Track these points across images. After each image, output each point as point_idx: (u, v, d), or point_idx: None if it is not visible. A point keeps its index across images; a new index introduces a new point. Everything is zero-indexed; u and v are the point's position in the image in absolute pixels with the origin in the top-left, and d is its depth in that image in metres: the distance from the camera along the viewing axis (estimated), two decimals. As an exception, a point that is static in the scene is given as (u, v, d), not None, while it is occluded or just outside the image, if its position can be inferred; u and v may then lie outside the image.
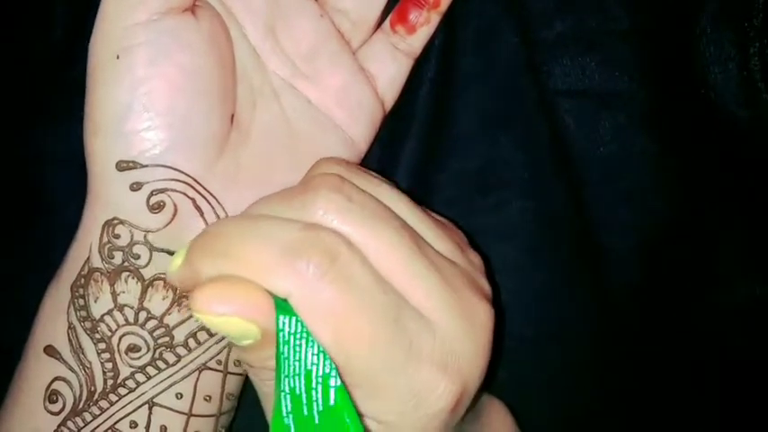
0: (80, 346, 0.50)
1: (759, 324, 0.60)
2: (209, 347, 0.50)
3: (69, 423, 0.50)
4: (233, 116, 0.51)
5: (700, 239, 0.60)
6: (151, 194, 0.48)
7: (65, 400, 0.50)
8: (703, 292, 0.60)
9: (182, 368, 0.50)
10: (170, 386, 0.50)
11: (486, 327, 0.45)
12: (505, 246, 0.58)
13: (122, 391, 0.49)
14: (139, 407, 0.50)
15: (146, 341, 0.49)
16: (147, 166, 0.48)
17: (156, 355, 0.49)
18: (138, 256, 0.49)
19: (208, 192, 0.49)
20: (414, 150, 0.60)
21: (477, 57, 0.60)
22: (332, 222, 0.42)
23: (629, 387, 0.61)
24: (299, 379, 0.39)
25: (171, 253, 0.49)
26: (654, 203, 0.60)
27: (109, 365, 0.49)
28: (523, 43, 0.60)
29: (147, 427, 0.50)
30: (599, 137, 0.59)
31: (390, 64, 0.57)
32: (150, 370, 0.50)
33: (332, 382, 0.39)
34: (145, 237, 0.49)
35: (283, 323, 0.40)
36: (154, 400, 0.50)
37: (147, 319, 0.49)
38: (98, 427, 0.49)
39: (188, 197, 0.49)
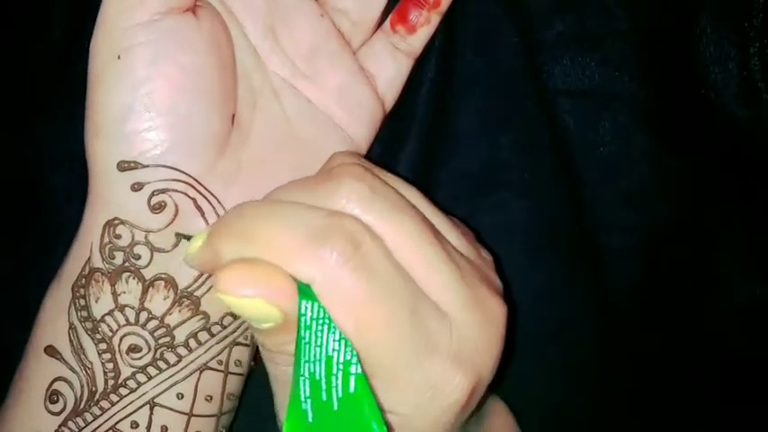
0: (81, 347, 0.50)
1: (759, 324, 0.60)
2: (210, 348, 0.50)
3: (70, 423, 0.49)
4: (233, 116, 0.51)
5: (700, 239, 0.60)
6: (152, 195, 0.48)
7: (65, 401, 0.50)
8: (703, 292, 0.60)
9: (183, 368, 0.50)
10: (171, 386, 0.50)
11: (500, 322, 0.45)
12: (505, 246, 0.58)
13: (123, 391, 0.49)
14: (140, 407, 0.50)
15: (147, 341, 0.49)
16: (148, 166, 0.48)
17: (157, 356, 0.49)
18: (138, 257, 0.49)
19: (209, 192, 0.49)
20: (414, 150, 0.60)
21: (478, 57, 0.60)
22: (354, 211, 0.42)
23: (629, 387, 0.61)
24: (320, 364, 0.40)
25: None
26: (654, 203, 0.60)
27: (110, 366, 0.49)
28: (523, 43, 0.60)
29: (148, 427, 0.50)
30: (599, 137, 0.59)
31: (390, 64, 0.57)
32: (151, 370, 0.49)
33: (353, 369, 0.39)
34: (146, 237, 0.49)
35: (306, 308, 0.40)
36: (155, 400, 0.50)
37: (148, 320, 0.49)
38: (99, 427, 0.49)
39: (189, 197, 0.49)
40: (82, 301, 0.49)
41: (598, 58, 0.59)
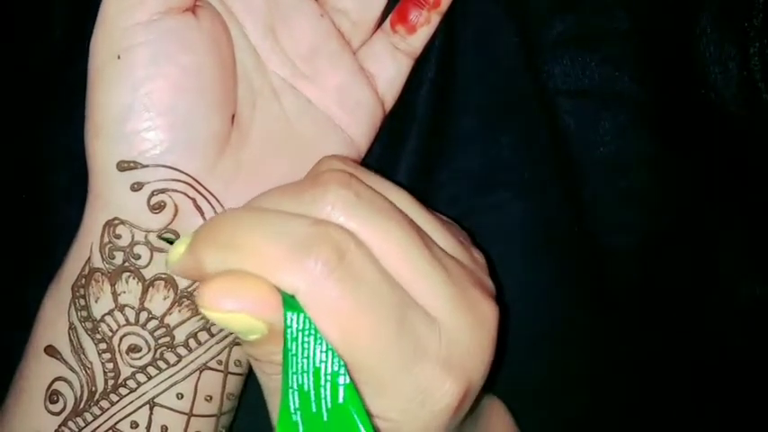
0: (81, 347, 0.50)
1: (759, 324, 0.60)
2: (210, 347, 0.50)
3: (70, 423, 0.50)
4: (233, 116, 0.51)
5: (700, 239, 0.60)
6: (152, 195, 0.48)
7: (65, 401, 0.50)
8: (703, 292, 0.60)
9: (182, 368, 0.50)
10: (171, 386, 0.50)
11: (491, 325, 0.45)
12: (505, 245, 0.58)
13: (123, 391, 0.49)
14: (140, 407, 0.50)
15: (146, 341, 0.49)
16: (147, 166, 0.48)
17: (157, 356, 0.49)
18: (138, 257, 0.49)
19: (208, 192, 0.49)
20: (414, 150, 0.60)
21: (477, 57, 0.60)
22: (339, 219, 0.42)
23: (629, 387, 0.61)
24: (308, 376, 0.39)
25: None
26: (654, 203, 0.60)
27: (110, 365, 0.49)
28: (523, 43, 0.60)
29: (148, 427, 0.50)
30: (599, 137, 0.59)
31: (390, 64, 0.57)
32: (151, 370, 0.50)
33: (341, 380, 0.39)
34: (146, 237, 0.49)
35: (291, 320, 0.40)
36: (155, 400, 0.50)
37: (148, 320, 0.49)
38: (99, 427, 0.49)
39: (189, 197, 0.49)
40: (82, 301, 0.49)
41: (598, 58, 0.59)
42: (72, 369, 0.50)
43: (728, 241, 0.60)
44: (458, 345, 0.43)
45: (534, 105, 0.60)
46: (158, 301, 0.49)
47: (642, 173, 0.60)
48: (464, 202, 0.59)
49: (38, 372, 0.51)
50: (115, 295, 0.49)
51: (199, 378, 0.50)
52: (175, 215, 0.49)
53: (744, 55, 0.58)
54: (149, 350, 0.49)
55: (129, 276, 0.49)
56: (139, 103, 0.47)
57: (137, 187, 0.48)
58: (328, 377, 0.39)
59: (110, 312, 0.49)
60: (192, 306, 0.49)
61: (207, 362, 0.50)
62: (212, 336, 0.50)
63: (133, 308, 0.49)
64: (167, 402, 0.50)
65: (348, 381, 0.39)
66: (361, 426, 0.38)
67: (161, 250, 0.49)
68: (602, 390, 0.61)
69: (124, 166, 0.48)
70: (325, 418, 0.39)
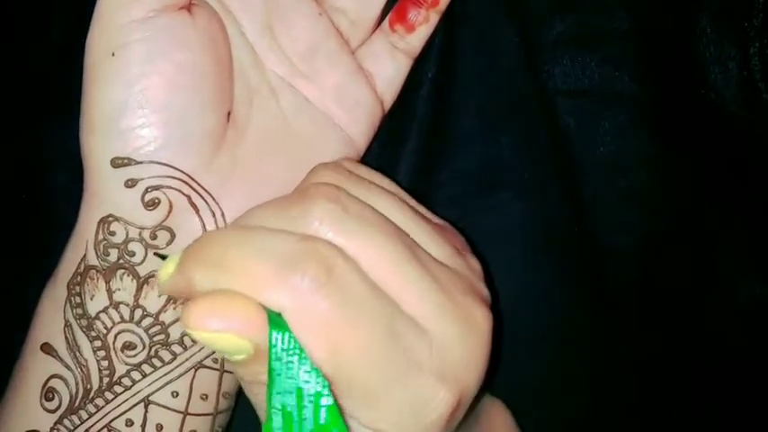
0: (76, 344, 0.50)
1: (759, 324, 0.60)
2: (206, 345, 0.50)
3: (65, 421, 0.50)
4: (229, 113, 0.51)
5: (700, 239, 0.60)
6: (146, 191, 0.48)
7: (61, 398, 0.50)
8: (703, 292, 0.60)
9: (177, 366, 0.50)
10: (166, 384, 0.50)
11: (484, 332, 0.45)
12: (505, 246, 0.58)
13: (118, 388, 0.49)
14: (135, 405, 0.50)
15: (141, 339, 0.49)
16: (142, 162, 0.48)
17: (152, 353, 0.49)
18: (133, 254, 0.49)
19: (203, 189, 0.49)
20: (414, 150, 0.60)
21: (478, 56, 0.60)
22: (327, 234, 0.42)
23: (629, 387, 0.61)
24: (291, 396, 0.39)
25: (163, 257, 0.48)
26: (654, 203, 0.60)
27: (105, 363, 0.49)
28: (523, 43, 0.60)
29: (143, 425, 0.50)
30: (599, 137, 0.59)
31: (389, 63, 0.57)
32: (146, 368, 0.50)
33: (323, 400, 0.39)
34: (140, 234, 0.49)
35: (276, 339, 0.40)
36: (149, 398, 0.50)
37: (143, 317, 0.49)
38: (94, 424, 0.49)
39: (183, 194, 0.49)
40: (77, 299, 0.50)
41: (598, 58, 0.59)
42: (67, 366, 0.50)
43: (728, 241, 0.60)
44: (450, 354, 0.43)
45: (534, 105, 0.59)
46: (153, 299, 0.49)
47: (642, 173, 0.59)
48: (464, 203, 0.59)
49: (34, 369, 0.51)
50: (110, 292, 0.49)
51: (194, 376, 0.50)
52: (170, 212, 0.49)
53: (744, 55, 0.58)
54: (144, 348, 0.49)
55: (123, 273, 0.49)
56: (134, 100, 0.47)
57: (131, 184, 0.48)
58: (311, 398, 0.39)
59: (104, 310, 0.49)
60: None
61: (202, 360, 0.50)
62: None
63: (128, 305, 0.49)
64: (162, 400, 0.50)
65: (331, 402, 0.39)
66: None
67: (156, 247, 0.49)
68: (602, 390, 0.61)
69: (118, 163, 0.48)
70: None
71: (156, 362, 0.50)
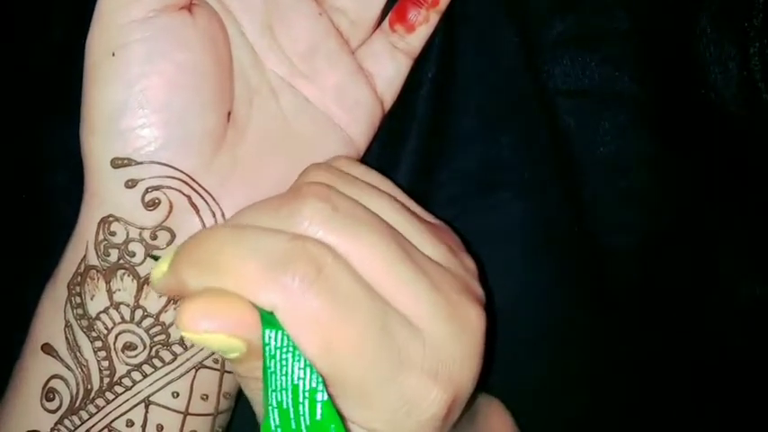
0: (77, 344, 0.50)
1: (759, 324, 0.60)
2: None
3: (66, 421, 0.50)
4: (230, 113, 0.51)
5: (700, 239, 0.60)
6: (146, 191, 0.48)
7: (62, 399, 0.50)
8: (703, 292, 0.60)
9: (178, 366, 0.50)
10: (166, 384, 0.50)
11: (478, 331, 0.45)
12: (505, 246, 0.58)
13: (119, 389, 0.49)
14: (136, 405, 0.50)
15: (142, 339, 0.49)
16: (142, 163, 0.48)
17: (153, 353, 0.49)
18: (133, 254, 0.49)
19: (203, 189, 0.49)
20: (414, 150, 0.60)
21: (478, 56, 0.60)
22: (317, 233, 0.42)
23: (629, 387, 0.61)
24: (287, 393, 0.39)
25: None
26: (654, 203, 0.60)
27: (105, 363, 0.49)
28: (523, 43, 0.60)
29: (144, 425, 0.50)
30: (599, 137, 0.59)
31: (389, 63, 0.56)
32: (146, 368, 0.50)
33: (319, 396, 0.39)
34: (140, 234, 0.49)
35: (269, 337, 0.40)
36: (150, 398, 0.50)
37: (143, 317, 0.49)
38: (95, 425, 0.49)
39: (183, 194, 0.49)
40: (77, 299, 0.50)
41: (598, 58, 0.59)
42: (68, 367, 0.50)
43: (728, 241, 0.60)
44: (444, 353, 0.43)
45: (534, 105, 0.59)
46: (153, 299, 0.49)
47: (642, 173, 0.59)
48: (464, 203, 0.59)
49: (35, 369, 0.51)
50: (110, 293, 0.49)
51: (194, 376, 0.50)
52: (170, 212, 0.49)
53: (744, 55, 0.58)
54: (144, 348, 0.49)
55: (123, 274, 0.49)
56: (134, 100, 0.47)
57: (131, 184, 0.48)
58: (306, 394, 0.39)
59: (105, 310, 0.49)
60: None
61: (203, 360, 0.50)
62: None
63: (128, 305, 0.49)
64: (163, 401, 0.50)
65: (326, 397, 0.39)
66: None
67: (156, 248, 0.49)
68: (602, 390, 0.61)
69: (118, 163, 0.48)
70: None
71: (156, 362, 0.49)
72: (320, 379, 0.39)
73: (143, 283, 0.49)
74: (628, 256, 0.60)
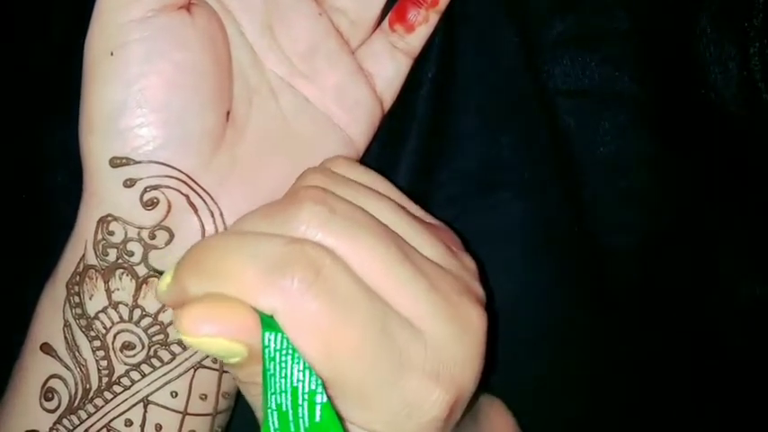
0: (75, 344, 0.50)
1: (759, 324, 0.60)
2: None
3: (65, 421, 0.50)
4: (229, 113, 0.51)
5: (700, 239, 0.60)
6: (145, 191, 0.48)
7: (60, 398, 0.50)
8: (703, 292, 0.60)
9: (177, 366, 0.50)
10: (165, 384, 0.50)
11: (479, 331, 0.45)
12: (505, 246, 0.58)
13: (117, 388, 0.49)
14: (134, 405, 0.50)
15: (140, 339, 0.49)
16: (140, 162, 0.48)
17: (151, 353, 0.49)
18: (131, 253, 0.49)
19: (202, 188, 0.49)
20: (414, 150, 0.60)
21: (478, 56, 0.60)
22: (316, 236, 0.42)
23: (629, 387, 0.61)
24: (286, 395, 0.39)
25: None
26: (654, 203, 0.60)
27: (104, 363, 0.49)
28: (523, 43, 0.60)
29: (143, 425, 0.50)
30: (599, 137, 0.59)
31: (389, 63, 0.56)
32: (145, 368, 0.49)
33: (318, 398, 0.39)
34: (139, 233, 0.49)
35: (269, 340, 0.40)
36: (149, 398, 0.50)
37: (142, 317, 0.49)
38: (93, 424, 0.49)
39: (182, 194, 0.48)
40: (76, 299, 0.50)
41: (598, 58, 0.59)
42: (67, 366, 0.50)
43: (728, 241, 0.60)
44: (445, 354, 0.43)
45: (534, 105, 0.59)
46: (152, 299, 0.49)
47: (642, 173, 0.59)
48: (464, 203, 0.59)
49: (34, 369, 0.51)
50: (109, 292, 0.49)
51: (193, 376, 0.50)
52: (168, 212, 0.49)
53: (744, 55, 0.58)
54: (143, 348, 0.49)
55: (122, 273, 0.49)
56: (133, 100, 0.47)
57: (129, 183, 0.48)
58: (306, 396, 0.39)
59: (103, 310, 0.49)
60: None
61: (201, 360, 0.50)
62: None
63: (127, 305, 0.49)
64: (161, 400, 0.50)
65: (325, 399, 0.39)
66: None
67: (154, 247, 0.49)
68: (602, 390, 0.61)
69: (117, 163, 0.48)
70: None
71: (155, 362, 0.49)
72: (319, 381, 0.39)
73: (141, 282, 0.49)
74: (628, 256, 0.60)
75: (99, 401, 0.49)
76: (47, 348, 0.50)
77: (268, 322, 0.40)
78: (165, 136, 0.48)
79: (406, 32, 0.56)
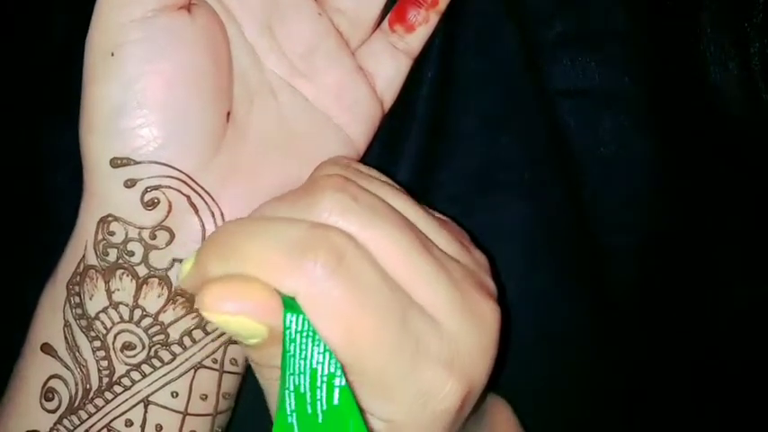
0: (76, 344, 0.50)
1: (759, 324, 0.60)
2: (205, 346, 0.50)
3: (65, 421, 0.49)
4: (229, 113, 0.51)
5: (700, 240, 0.60)
6: (145, 191, 0.48)
7: (61, 398, 0.50)
8: (703, 292, 0.60)
9: (177, 366, 0.50)
10: (165, 384, 0.50)
11: (493, 326, 0.45)
12: (505, 246, 0.58)
13: (117, 389, 0.49)
14: (135, 405, 0.49)
15: (141, 339, 0.49)
16: (141, 162, 0.48)
17: (151, 353, 0.49)
18: (132, 254, 0.49)
19: (202, 189, 0.49)
20: (414, 150, 0.60)
21: (478, 57, 0.60)
22: (337, 222, 0.42)
23: (629, 387, 0.61)
24: (304, 377, 0.39)
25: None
26: (654, 204, 0.60)
27: (104, 363, 0.49)
28: (523, 43, 0.60)
29: (143, 425, 0.50)
30: (599, 137, 0.59)
31: (389, 63, 0.56)
32: (145, 368, 0.49)
33: (336, 381, 0.39)
34: (139, 234, 0.49)
35: (290, 321, 0.40)
36: (149, 398, 0.50)
37: (142, 317, 0.49)
38: (94, 425, 0.49)
39: (182, 194, 0.48)
40: (76, 299, 0.50)
41: (598, 58, 0.59)
42: (67, 367, 0.50)
43: (728, 241, 0.60)
44: (459, 346, 0.43)
45: (534, 105, 0.59)
46: (152, 299, 0.49)
47: (642, 173, 0.60)
48: (464, 202, 0.59)
49: (34, 369, 0.51)
50: (109, 293, 0.49)
51: (194, 376, 0.50)
52: (169, 212, 0.49)
53: (744, 55, 0.58)
54: (143, 348, 0.49)
55: (122, 274, 0.49)
56: (133, 100, 0.47)
57: (130, 184, 0.48)
58: (324, 378, 0.39)
59: (104, 310, 0.49)
60: (187, 304, 0.49)
61: (202, 360, 0.50)
62: (207, 334, 0.50)
63: (127, 305, 0.49)
64: (162, 401, 0.50)
65: (344, 383, 0.39)
66: (355, 428, 0.38)
67: (155, 248, 0.49)
68: (603, 389, 0.61)
69: (117, 163, 0.48)
70: (320, 420, 0.39)
71: (155, 362, 0.49)
72: (339, 364, 0.40)
73: (142, 282, 0.49)
74: (628, 256, 0.60)
75: (99, 402, 0.49)
76: (47, 348, 0.50)
77: (290, 304, 0.40)
78: (166, 136, 0.48)
79: (406, 33, 0.56)
